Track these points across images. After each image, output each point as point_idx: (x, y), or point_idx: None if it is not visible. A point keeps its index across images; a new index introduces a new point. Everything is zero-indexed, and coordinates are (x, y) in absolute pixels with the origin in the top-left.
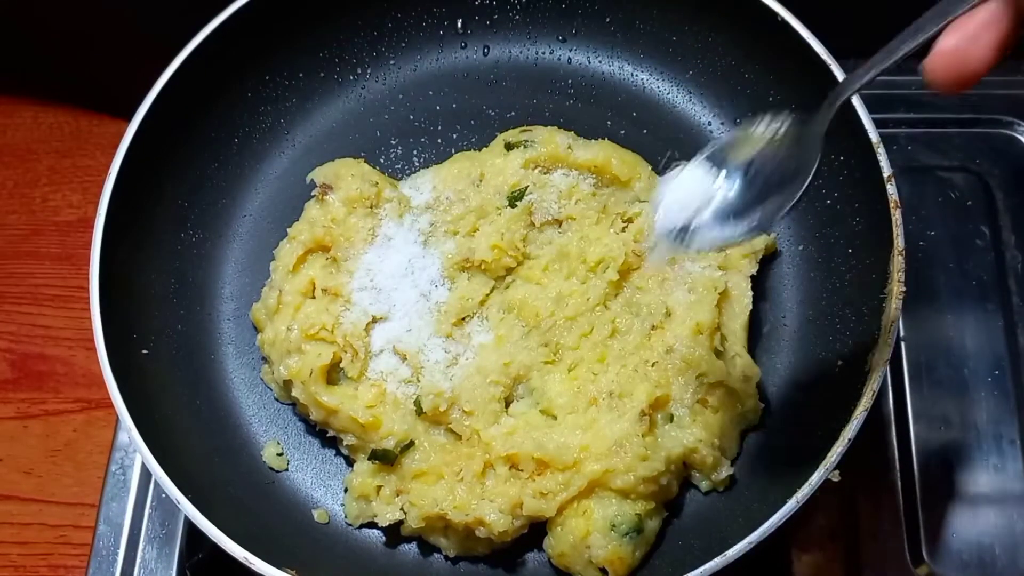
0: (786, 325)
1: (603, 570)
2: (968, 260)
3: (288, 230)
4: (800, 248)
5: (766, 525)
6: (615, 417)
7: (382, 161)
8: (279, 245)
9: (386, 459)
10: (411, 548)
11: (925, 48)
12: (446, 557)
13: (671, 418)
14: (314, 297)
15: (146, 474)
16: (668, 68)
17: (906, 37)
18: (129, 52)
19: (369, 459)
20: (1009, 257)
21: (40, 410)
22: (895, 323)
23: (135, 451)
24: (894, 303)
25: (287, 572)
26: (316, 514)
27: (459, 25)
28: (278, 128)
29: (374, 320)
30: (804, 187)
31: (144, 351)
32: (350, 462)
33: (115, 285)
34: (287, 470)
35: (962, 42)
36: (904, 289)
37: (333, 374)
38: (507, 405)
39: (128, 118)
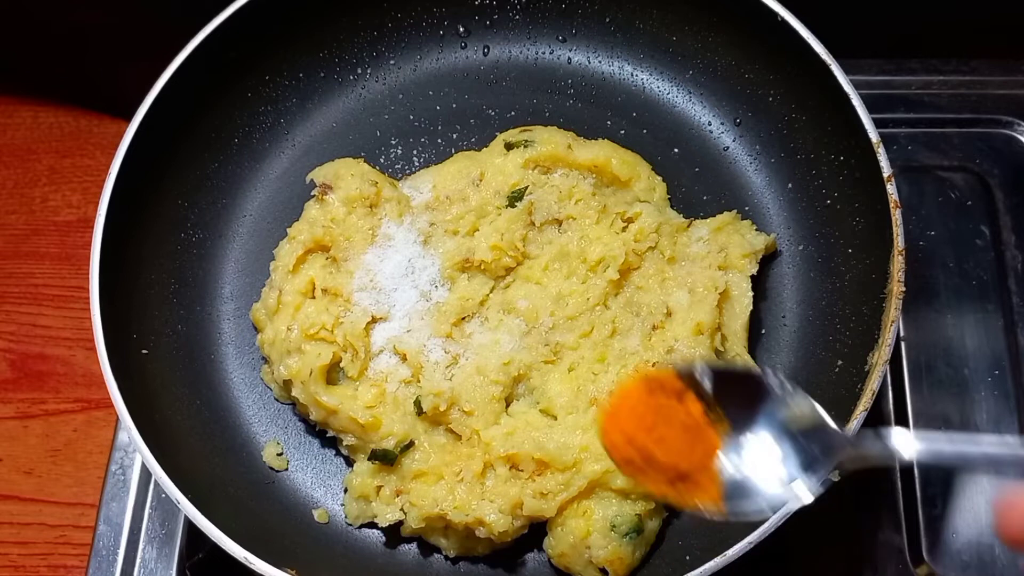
0: (786, 325)
1: (603, 570)
2: (968, 260)
3: (288, 230)
4: (800, 248)
5: (766, 525)
6: None
7: (382, 161)
8: (279, 245)
9: (386, 459)
10: (411, 548)
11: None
12: (446, 557)
13: None
14: (314, 297)
15: (146, 474)
16: (668, 68)
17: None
18: (129, 52)
19: (369, 459)
20: (1009, 257)
21: (40, 410)
22: (895, 323)
23: (135, 451)
24: (894, 303)
25: (287, 572)
26: (316, 514)
27: (459, 25)
28: (278, 128)
29: (374, 320)
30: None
31: (144, 351)
32: (350, 462)
33: (115, 285)
34: (287, 470)
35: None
36: (904, 289)
37: (333, 374)
38: (507, 405)
39: (128, 118)
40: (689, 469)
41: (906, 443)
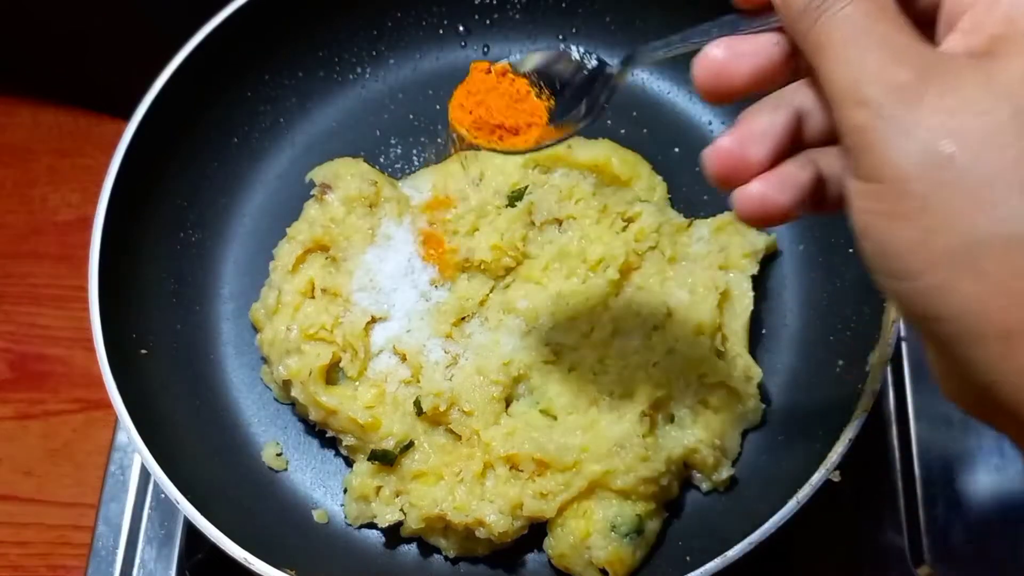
0: (787, 325)
1: (603, 571)
2: None
3: (287, 230)
4: (800, 248)
5: (766, 525)
6: (616, 418)
7: (382, 161)
8: (278, 245)
9: (386, 459)
10: (411, 548)
11: None
12: (446, 557)
13: (672, 419)
14: (313, 297)
15: (145, 474)
16: (668, 68)
17: (701, 32)
18: (129, 52)
19: (368, 459)
20: None
21: (39, 410)
22: (896, 323)
23: (134, 451)
24: (895, 303)
25: (287, 572)
26: (316, 514)
27: (459, 24)
28: (278, 128)
29: (374, 320)
30: (580, 127)
31: (143, 351)
32: (350, 462)
33: (114, 285)
34: (287, 470)
35: (727, 55)
36: None
37: (332, 374)
38: (507, 405)
39: (128, 118)
40: (514, 124)
41: (643, 55)
